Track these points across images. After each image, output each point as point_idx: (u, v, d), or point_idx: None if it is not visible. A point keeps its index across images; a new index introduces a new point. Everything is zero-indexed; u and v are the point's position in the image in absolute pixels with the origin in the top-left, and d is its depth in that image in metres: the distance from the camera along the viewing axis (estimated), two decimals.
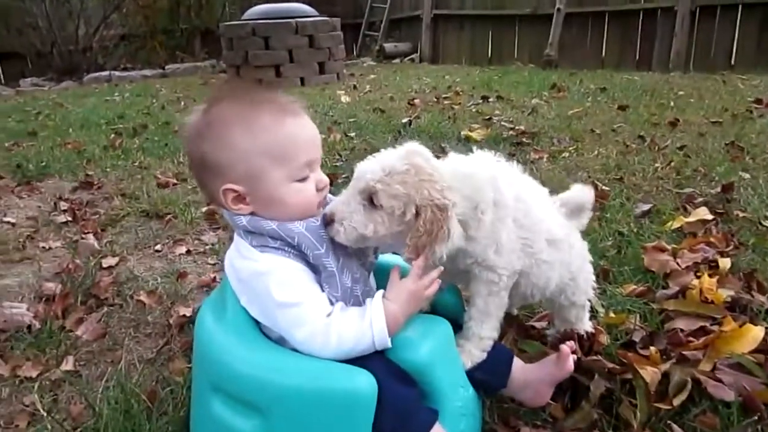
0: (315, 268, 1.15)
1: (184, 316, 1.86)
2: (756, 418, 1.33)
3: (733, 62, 7.85)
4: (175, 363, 1.62)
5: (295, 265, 1.13)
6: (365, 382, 1.07)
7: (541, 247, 1.32)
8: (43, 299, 2.00)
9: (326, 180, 1.22)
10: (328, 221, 1.16)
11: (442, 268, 1.19)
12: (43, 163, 3.79)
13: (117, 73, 10.19)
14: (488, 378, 1.33)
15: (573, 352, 1.31)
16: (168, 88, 8.08)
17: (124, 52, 11.21)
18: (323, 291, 1.15)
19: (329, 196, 1.27)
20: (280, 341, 1.19)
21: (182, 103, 6.44)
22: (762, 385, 1.43)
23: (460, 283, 1.46)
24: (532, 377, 1.33)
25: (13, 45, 10.17)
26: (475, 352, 1.31)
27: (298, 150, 1.14)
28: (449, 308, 1.46)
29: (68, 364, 1.64)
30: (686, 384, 1.44)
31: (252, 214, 1.16)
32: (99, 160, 3.90)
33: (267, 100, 1.17)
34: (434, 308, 1.42)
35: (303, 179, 1.16)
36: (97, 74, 10.03)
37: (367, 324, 1.11)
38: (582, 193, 1.52)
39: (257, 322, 1.19)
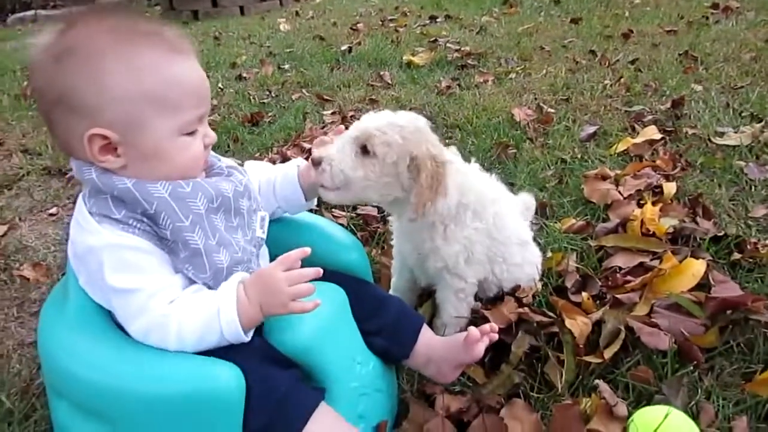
0: (171, 247, 0.94)
1: None
2: (691, 368, 1.20)
3: None
4: None
5: (139, 244, 0.91)
6: (226, 376, 0.89)
7: (513, 251, 1.40)
8: None
9: (214, 136, 1.01)
10: (315, 163, 1.15)
11: (321, 270, 0.96)
12: None
13: (43, 12, 9.43)
14: (390, 346, 1.16)
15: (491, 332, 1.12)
16: None
17: None
18: (186, 272, 0.94)
19: (212, 154, 1.06)
20: None
21: None
22: (701, 327, 1.31)
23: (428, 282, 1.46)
24: (435, 355, 1.15)
25: None
26: None
27: (189, 98, 0.93)
28: (353, 266, 1.28)
29: None
30: (619, 333, 1.31)
31: (122, 168, 0.92)
32: (5, 111, 3.53)
33: (151, 32, 0.92)
34: (337, 267, 1.23)
35: (191, 133, 0.95)
36: (22, 14, 9.29)
37: (214, 313, 0.91)
38: (528, 200, 1.70)
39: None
